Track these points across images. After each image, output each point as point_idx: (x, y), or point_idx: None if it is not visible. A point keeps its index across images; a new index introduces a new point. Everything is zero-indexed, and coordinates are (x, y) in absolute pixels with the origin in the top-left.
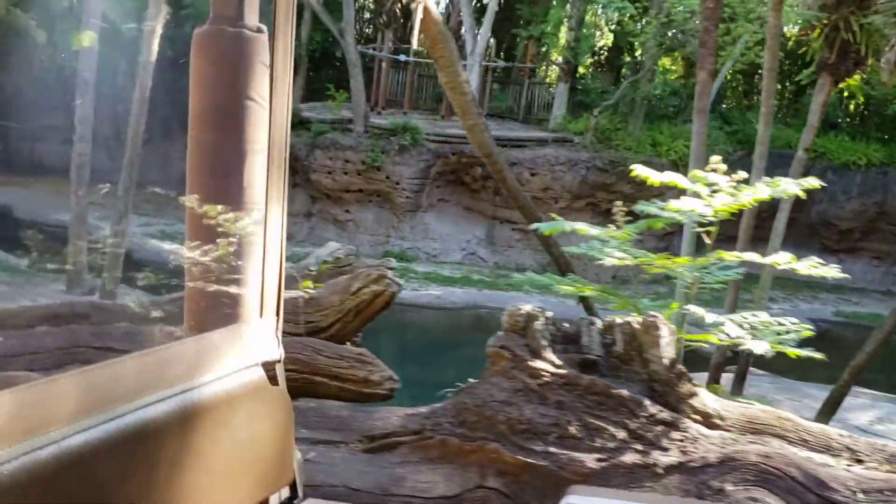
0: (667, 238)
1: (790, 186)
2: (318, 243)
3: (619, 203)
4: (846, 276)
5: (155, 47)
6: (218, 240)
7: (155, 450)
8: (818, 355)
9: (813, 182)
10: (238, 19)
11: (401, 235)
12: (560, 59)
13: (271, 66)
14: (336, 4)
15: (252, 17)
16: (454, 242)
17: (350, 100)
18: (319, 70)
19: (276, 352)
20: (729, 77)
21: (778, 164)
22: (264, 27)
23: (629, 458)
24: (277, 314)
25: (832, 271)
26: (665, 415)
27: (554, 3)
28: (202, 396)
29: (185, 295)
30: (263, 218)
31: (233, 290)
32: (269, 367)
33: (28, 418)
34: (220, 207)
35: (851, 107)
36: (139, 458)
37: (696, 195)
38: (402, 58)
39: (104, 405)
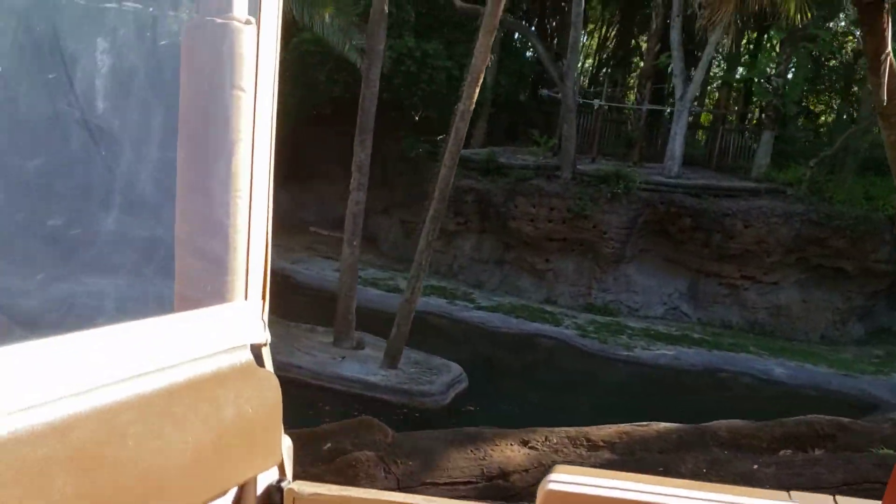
0: None
1: None
2: (512, 292)
3: None
4: None
5: None
6: (204, 223)
7: (141, 420)
8: None
9: None
10: (227, 11)
11: (603, 287)
12: (763, 104)
13: (256, 57)
14: (514, 51)
15: (241, 9)
16: (655, 296)
17: (538, 144)
18: (500, 114)
19: (262, 335)
20: None
21: None
22: (252, 19)
23: None
24: (263, 298)
25: None
26: None
27: (761, 49)
28: (189, 372)
29: (175, 275)
30: (248, 204)
31: (219, 272)
32: (255, 350)
33: (8, 381)
34: (207, 192)
35: None
36: (124, 428)
37: None
38: (634, 106)
39: (90, 374)
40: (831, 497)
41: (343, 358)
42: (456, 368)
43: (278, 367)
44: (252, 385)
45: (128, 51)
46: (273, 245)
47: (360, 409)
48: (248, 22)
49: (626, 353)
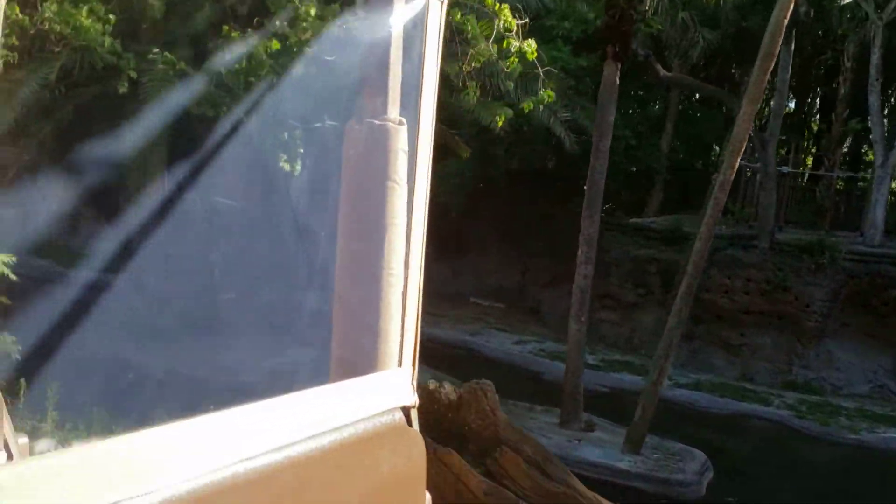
0: None
1: None
2: (703, 369)
3: None
4: None
5: None
6: (363, 296)
7: (321, 472)
8: None
9: None
10: (382, 113)
11: (804, 363)
12: None
13: (412, 153)
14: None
15: (394, 111)
16: (858, 373)
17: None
18: (675, 182)
19: (412, 398)
20: None
21: None
22: (404, 119)
23: None
24: (413, 365)
25: None
26: None
27: None
28: (355, 431)
29: (332, 345)
30: (403, 280)
31: (376, 342)
32: (406, 412)
33: (166, 460)
34: (365, 272)
35: None
36: (310, 477)
37: None
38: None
39: (284, 433)
40: None
41: (580, 441)
42: (699, 455)
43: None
44: (403, 443)
45: (323, 161)
46: (435, 315)
47: (614, 498)
48: (400, 123)
49: (852, 436)
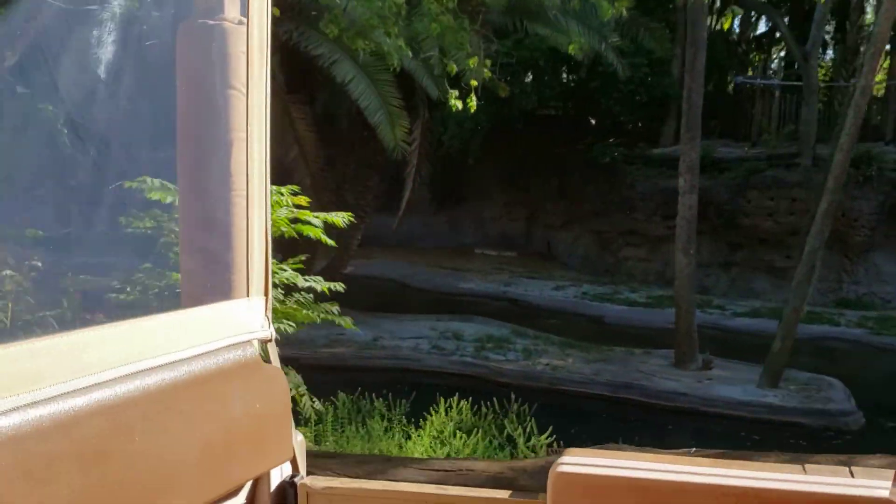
0: None
1: None
2: (746, 295)
3: None
4: None
5: None
6: (205, 222)
7: (147, 416)
8: None
9: None
10: (219, 11)
11: (854, 279)
12: None
13: (248, 56)
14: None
15: (233, 9)
16: None
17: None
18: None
19: (267, 330)
20: None
21: None
22: (244, 19)
23: None
24: (266, 294)
25: None
26: None
27: None
28: (194, 368)
29: (180, 272)
30: (246, 202)
31: (221, 270)
32: (261, 347)
33: (16, 375)
34: (206, 191)
35: None
36: (130, 423)
37: None
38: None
39: (93, 368)
40: (847, 468)
41: (710, 380)
42: (837, 383)
43: (653, 396)
44: (259, 381)
45: (113, 51)
46: (453, 268)
47: (778, 435)
48: (239, 22)
49: None
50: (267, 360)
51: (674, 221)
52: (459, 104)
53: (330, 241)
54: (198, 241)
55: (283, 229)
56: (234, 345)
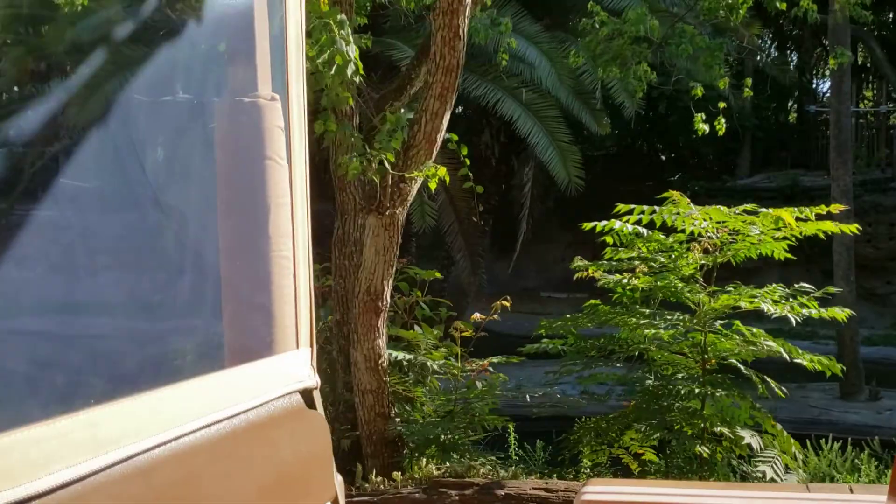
0: None
1: None
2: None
3: None
4: None
5: None
6: (252, 278)
7: (212, 463)
8: None
9: None
10: (251, 89)
11: None
12: None
13: (287, 129)
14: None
15: (265, 86)
16: None
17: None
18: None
19: (312, 379)
20: None
21: None
22: (277, 95)
23: None
24: (311, 345)
25: None
26: None
27: None
28: (251, 417)
29: (225, 332)
30: (292, 262)
31: (271, 325)
32: (306, 395)
33: (76, 444)
34: (252, 253)
35: None
36: (199, 470)
37: None
38: None
39: (167, 424)
40: (847, 487)
41: (889, 411)
42: None
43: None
44: (305, 427)
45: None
46: (531, 313)
47: None
48: (272, 98)
49: None
50: (312, 406)
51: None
52: (706, 128)
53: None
54: (245, 297)
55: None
56: (284, 394)
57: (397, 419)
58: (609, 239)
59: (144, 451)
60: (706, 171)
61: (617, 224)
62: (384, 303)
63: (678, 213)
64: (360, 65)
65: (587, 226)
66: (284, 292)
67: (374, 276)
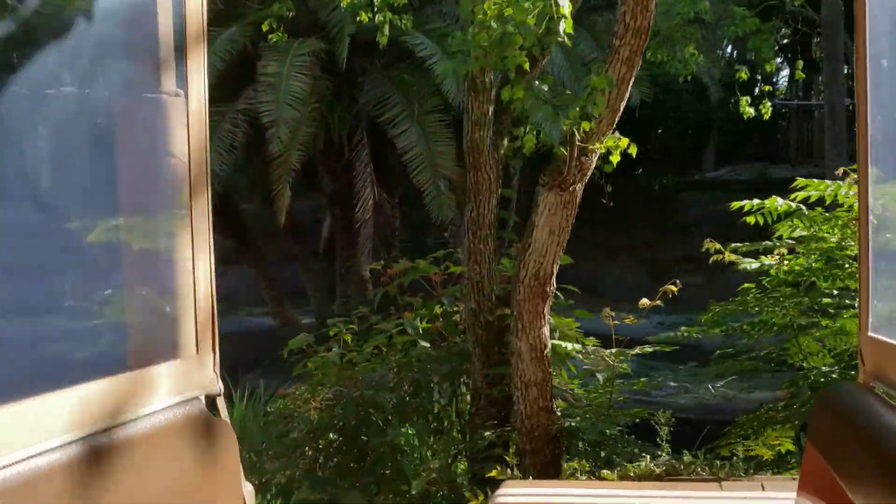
0: None
1: None
2: None
3: None
4: None
5: None
6: (152, 285)
7: (103, 473)
8: None
9: None
10: (154, 85)
11: None
12: None
13: (187, 126)
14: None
15: (169, 83)
16: None
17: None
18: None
19: (215, 386)
20: None
21: None
22: (181, 91)
23: None
24: (213, 351)
25: None
26: None
27: None
28: (148, 424)
29: (127, 333)
30: (192, 265)
31: (168, 329)
32: (210, 401)
33: None
34: (152, 256)
35: None
36: (87, 482)
37: None
38: None
39: (55, 431)
40: (759, 484)
41: None
42: None
43: None
44: (209, 434)
45: (64, 133)
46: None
47: None
48: (176, 94)
49: None
50: (216, 413)
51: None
52: (752, 111)
53: None
54: (145, 301)
55: None
56: (185, 400)
57: (558, 412)
58: (751, 220)
59: (27, 459)
60: (673, 165)
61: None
62: (551, 287)
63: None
64: (570, 22)
65: (736, 205)
66: (184, 296)
67: (544, 259)
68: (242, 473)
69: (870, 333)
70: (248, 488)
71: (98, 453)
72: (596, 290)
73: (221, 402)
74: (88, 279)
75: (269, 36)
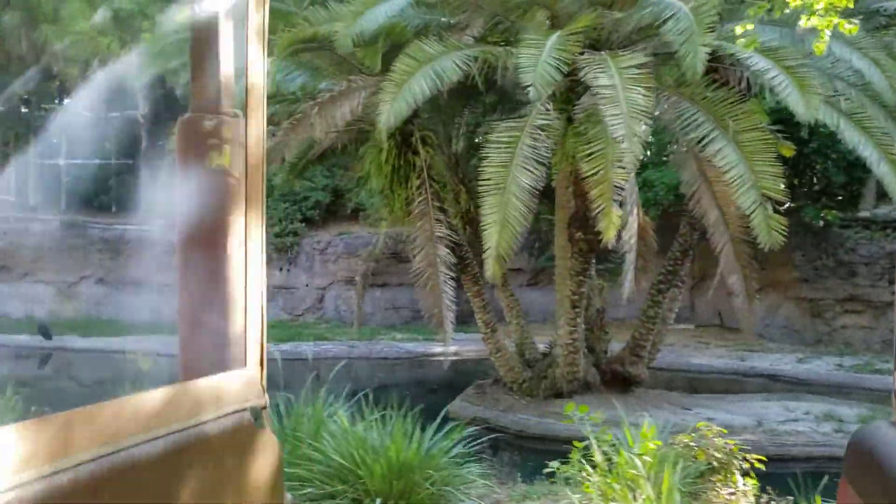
0: None
1: None
2: None
3: None
4: None
5: None
6: (205, 299)
7: (159, 479)
8: None
9: None
10: (215, 106)
11: None
12: None
13: (245, 146)
14: None
15: (228, 104)
16: None
17: None
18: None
19: (262, 398)
20: None
21: None
22: (240, 112)
23: None
24: (261, 365)
25: None
26: None
27: None
28: (194, 436)
29: (179, 346)
30: (244, 281)
31: (220, 343)
32: (255, 413)
33: (44, 447)
34: (207, 272)
35: None
36: (145, 486)
37: None
38: None
39: (114, 437)
40: None
41: None
42: None
43: None
44: (254, 445)
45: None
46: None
47: None
48: (235, 115)
49: None
50: (262, 425)
51: None
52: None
53: None
54: (198, 316)
55: None
56: (234, 412)
57: None
58: None
59: (87, 465)
60: (832, 200)
61: None
62: None
63: None
64: None
65: None
66: (237, 312)
67: None
68: (283, 482)
69: None
70: (288, 498)
71: (159, 457)
72: (723, 325)
73: (267, 414)
74: (151, 293)
75: None
